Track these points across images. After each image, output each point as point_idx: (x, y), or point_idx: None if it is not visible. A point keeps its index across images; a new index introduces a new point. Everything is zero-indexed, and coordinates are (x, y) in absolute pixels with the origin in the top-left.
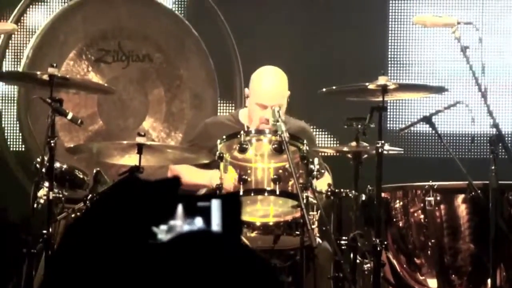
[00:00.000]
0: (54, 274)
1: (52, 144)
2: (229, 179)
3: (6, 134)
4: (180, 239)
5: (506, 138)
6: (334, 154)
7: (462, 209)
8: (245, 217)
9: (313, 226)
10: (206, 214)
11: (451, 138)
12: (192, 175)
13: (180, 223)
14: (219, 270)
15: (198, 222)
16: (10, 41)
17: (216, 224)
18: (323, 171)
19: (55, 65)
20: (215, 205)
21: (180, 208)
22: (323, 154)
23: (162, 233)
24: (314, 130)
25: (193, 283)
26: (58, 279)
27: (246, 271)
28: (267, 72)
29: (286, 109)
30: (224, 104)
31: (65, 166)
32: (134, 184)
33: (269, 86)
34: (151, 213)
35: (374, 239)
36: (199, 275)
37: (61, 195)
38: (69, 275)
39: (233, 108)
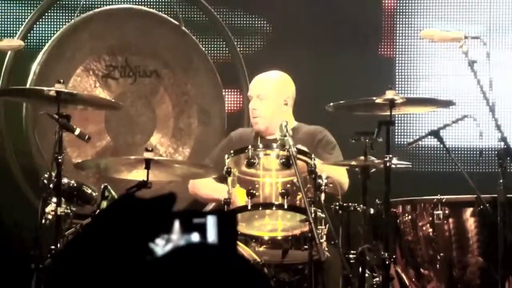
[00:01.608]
0: None
1: (60, 160)
2: (240, 195)
3: (13, 150)
4: (176, 252)
5: None
6: None
7: (470, 223)
8: (253, 232)
9: (321, 240)
10: (201, 230)
11: (459, 152)
12: (210, 189)
13: (177, 239)
14: (215, 282)
15: (195, 238)
16: (17, 58)
17: (211, 240)
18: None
19: (62, 81)
20: (211, 222)
21: (176, 224)
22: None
23: (158, 248)
24: None
25: None
26: None
27: (242, 282)
28: (263, 73)
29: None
30: (232, 119)
31: (72, 182)
32: (130, 202)
33: (256, 78)
34: (147, 229)
35: (382, 253)
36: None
37: (69, 211)
38: None
39: (241, 123)
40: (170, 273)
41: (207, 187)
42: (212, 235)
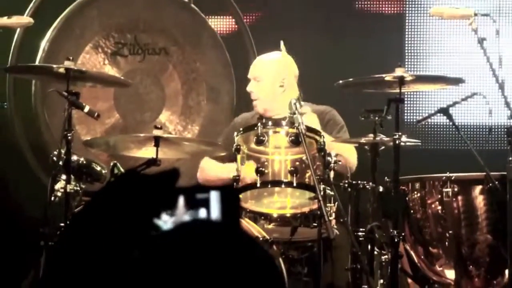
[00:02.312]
0: (55, 267)
1: (69, 137)
2: (249, 172)
3: (22, 127)
4: (180, 228)
5: None
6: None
7: (479, 200)
8: (262, 209)
9: (330, 218)
10: (205, 206)
11: (469, 129)
12: (219, 170)
13: (181, 215)
14: (219, 259)
15: (200, 214)
16: (26, 35)
17: (215, 215)
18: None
19: (71, 58)
20: (214, 196)
21: (181, 200)
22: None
23: (163, 224)
24: None
25: (194, 271)
26: (60, 272)
27: (246, 259)
28: (262, 55)
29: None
30: (241, 97)
31: (82, 159)
32: (133, 178)
33: (255, 60)
34: (151, 205)
35: (391, 230)
36: (200, 263)
37: (78, 188)
38: (70, 268)
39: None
40: (174, 249)
41: (215, 169)
42: (215, 210)
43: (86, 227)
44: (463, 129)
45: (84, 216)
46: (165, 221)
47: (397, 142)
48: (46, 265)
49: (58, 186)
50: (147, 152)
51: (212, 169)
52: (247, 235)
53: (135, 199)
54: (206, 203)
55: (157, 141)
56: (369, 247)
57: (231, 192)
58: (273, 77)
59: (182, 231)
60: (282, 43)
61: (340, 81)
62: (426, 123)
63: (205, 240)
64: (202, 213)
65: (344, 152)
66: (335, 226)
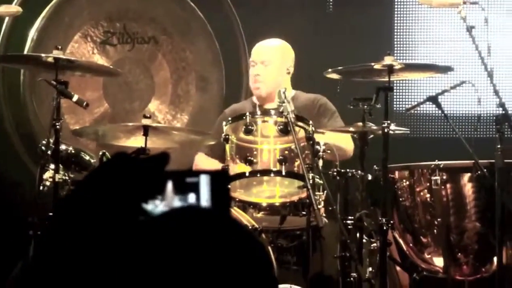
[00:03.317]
0: (42, 253)
1: (58, 127)
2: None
3: (11, 116)
4: (169, 214)
5: None
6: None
7: (468, 188)
8: (252, 198)
9: (319, 206)
10: (195, 190)
11: (457, 118)
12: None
13: (170, 199)
14: (209, 244)
15: (190, 198)
16: (14, 24)
17: (205, 200)
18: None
19: (60, 47)
20: (204, 180)
21: (169, 185)
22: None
23: (152, 209)
24: None
25: (183, 257)
26: (47, 257)
27: (236, 245)
28: (265, 40)
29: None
30: (230, 86)
31: (70, 148)
32: (122, 161)
33: (259, 45)
34: (140, 189)
35: (380, 218)
36: (188, 249)
37: (67, 178)
38: (58, 254)
39: (240, 89)
40: (162, 234)
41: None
42: (205, 195)
43: (74, 211)
44: (452, 117)
45: (72, 200)
46: (155, 206)
47: (386, 130)
48: (34, 252)
49: (47, 175)
50: (136, 141)
51: (205, 165)
52: (236, 221)
53: (124, 182)
54: (195, 188)
55: (146, 130)
56: (357, 235)
57: (221, 176)
58: (281, 63)
59: (171, 216)
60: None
61: (329, 70)
62: (415, 112)
63: (194, 225)
64: (191, 198)
65: (341, 141)
66: (324, 215)
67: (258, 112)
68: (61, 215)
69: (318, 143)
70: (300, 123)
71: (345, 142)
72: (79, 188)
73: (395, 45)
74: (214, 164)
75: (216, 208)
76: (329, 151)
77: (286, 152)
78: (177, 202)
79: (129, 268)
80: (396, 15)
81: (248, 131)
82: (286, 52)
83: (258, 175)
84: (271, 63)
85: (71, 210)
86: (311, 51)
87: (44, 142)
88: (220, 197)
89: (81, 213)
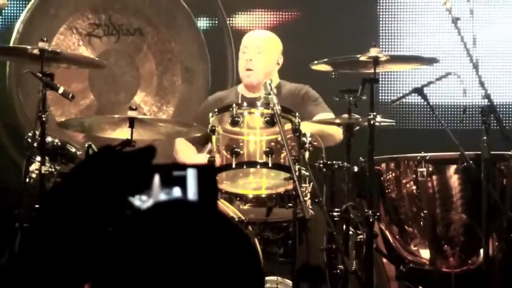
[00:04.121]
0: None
1: (44, 119)
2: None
3: None
4: (156, 208)
5: (498, 109)
6: None
7: (454, 180)
8: (238, 190)
9: (305, 198)
10: (182, 183)
11: (443, 109)
12: (190, 156)
13: (157, 193)
14: (196, 237)
15: (176, 192)
16: (0, 16)
17: (192, 193)
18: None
19: (45, 39)
20: (191, 174)
21: (156, 178)
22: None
23: (138, 203)
24: None
25: (169, 251)
26: (34, 248)
27: (222, 237)
28: (257, 30)
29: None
30: (216, 77)
31: (56, 140)
32: (109, 155)
33: (253, 32)
34: (127, 183)
35: (366, 210)
36: (175, 243)
37: (53, 169)
38: (44, 245)
39: (226, 81)
40: (149, 227)
41: (188, 154)
42: (192, 188)
43: (60, 203)
44: (437, 109)
45: (58, 192)
46: (142, 200)
47: (371, 122)
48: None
49: (33, 167)
50: (122, 133)
51: (186, 157)
52: (222, 215)
53: (110, 176)
54: (182, 181)
55: (131, 122)
56: (344, 227)
57: (208, 170)
58: (274, 52)
59: (158, 210)
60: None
61: (315, 62)
62: (401, 103)
63: (179, 219)
64: (177, 191)
65: (330, 129)
66: (310, 206)
67: (245, 104)
68: (47, 207)
69: (304, 135)
70: (286, 115)
71: (333, 130)
72: (65, 181)
73: (381, 37)
74: (192, 151)
75: (202, 202)
76: (315, 143)
77: (273, 143)
78: (163, 196)
79: (114, 260)
80: (381, 7)
81: (235, 123)
82: (277, 44)
83: (245, 166)
84: (264, 51)
85: (57, 202)
86: (296, 43)
87: (30, 134)
88: (207, 190)
89: (67, 205)
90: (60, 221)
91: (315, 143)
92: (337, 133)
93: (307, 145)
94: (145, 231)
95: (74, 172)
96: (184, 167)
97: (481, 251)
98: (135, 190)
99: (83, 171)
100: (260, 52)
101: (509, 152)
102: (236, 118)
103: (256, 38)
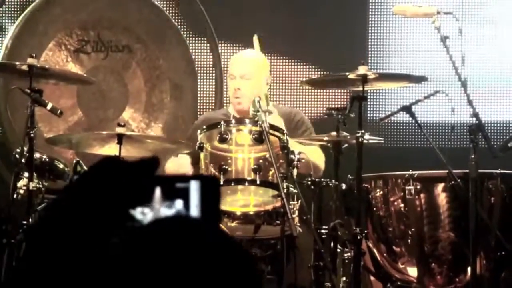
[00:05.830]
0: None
1: (32, 135)
2: None
3: None
4: (158, 223)
5: (486, 128)
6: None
7: (442, 198)
8: (226, 207)
9: (293, 216)
10: (184, 196)
11: (431, 127)
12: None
13: (158, 206)
14: (198, 257)
15: (178, 205)
16: None
17: (194, 207)
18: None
19: (34, 55)
20: (194, 187)
21: (158, 190)
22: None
23: (140, 216)
24: None
25: (171, 268)
26: (33, 262)
27: (225, 258)
28: (243, 51)
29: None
30: (204, 94)
31: (44, 157)
32: (112, 165)
33: (238, 57)
34: (129, 195)
35: (354, 228)
36: (176, 260)
37: (41, 186)
38: (45, 257)
39: (213, 97)
40: (150, 242)
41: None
42: (195, 201)
43: (61, 215)
44: (425, 127)
45: (60, 203)
46: (143, 213)
47: (360, 139)
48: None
49: (21, 183)
50: (110, 149)
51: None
52: (225, 233)
53: (112, 187)
54: (185, 194)
55: (120, 138)
56: (331, 244)
57: (212, 182)
58: (261, 75)
59: (158, 223)
60: (255, 38)
61: (304, 79)
62: (389, 121)
63: (183, 233)
64: (179, 204)
65: (312, 156)
66: (298, 224)
67: (233, 121)
68: (48, 219)
69: (292, 152)
70: (274, 132)
71: (316, 156)
72: (67, 192)
73: (369, 55)
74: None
75: (205, 216)
76: (303, 160)
77: (261, 161)
78: (164, 209)
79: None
80: (370, 25)
81: (223, 140)
82: (264, 65)
83: (232, 183)
84: (252, 77)
85: (58, 214)
86: (285, 61)
87: (18, 150)
88: (210, 204)
89: (69, 217)
90: (60, 232)
91: (303, 160)
92: (321, 165)
93: (295, 163)
94: (145, 245)
95: (76, 183)
96: (187, 178)
97: (469, 269)
98: (137, 202)
99: (85, 182)
100: (247, 79)
101: (497, 171)
102: (225, 135)
103: (240, 65)
